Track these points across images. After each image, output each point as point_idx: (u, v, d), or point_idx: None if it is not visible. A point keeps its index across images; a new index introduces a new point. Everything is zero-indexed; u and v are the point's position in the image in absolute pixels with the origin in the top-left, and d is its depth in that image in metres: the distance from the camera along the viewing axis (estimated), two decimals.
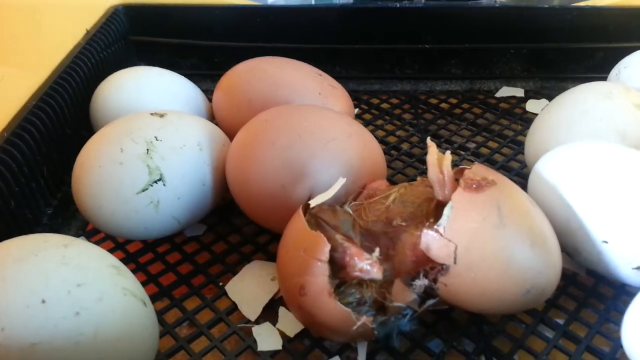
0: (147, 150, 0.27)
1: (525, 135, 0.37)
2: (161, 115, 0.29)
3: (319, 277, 0.22)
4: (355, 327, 0.22)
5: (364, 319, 0.22)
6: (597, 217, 0.25)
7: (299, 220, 0.23)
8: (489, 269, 0.22)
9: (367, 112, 0.44)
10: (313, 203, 0.24)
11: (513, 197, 0.23)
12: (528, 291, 0.23)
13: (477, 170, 0.24)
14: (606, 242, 0.25)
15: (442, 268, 0.22)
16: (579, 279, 0.29)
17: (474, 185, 0.23)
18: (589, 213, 0.25)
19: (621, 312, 0.26)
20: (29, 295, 0.19)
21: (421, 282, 0.23)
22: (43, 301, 0.19)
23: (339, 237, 0.23)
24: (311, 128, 0.27)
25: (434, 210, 0.25)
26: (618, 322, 0.26)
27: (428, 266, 0.23)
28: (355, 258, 0.22)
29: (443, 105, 0.44)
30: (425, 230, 0.23)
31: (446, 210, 0.23)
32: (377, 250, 0.22)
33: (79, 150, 0.28)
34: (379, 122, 0.42)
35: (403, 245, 0.24)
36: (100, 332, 0.20)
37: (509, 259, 0.22)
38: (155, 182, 0.27)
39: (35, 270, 0.20)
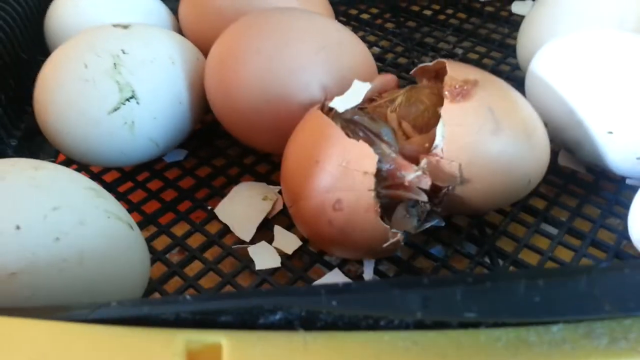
0: (115, 64, 0.24)
1: (513, 38, 0.36)
2: (125, 27, 0.26)
3: (364, 192, 0.20)
4: (386, 245, 0.20)
5: (399, 235, 0.20)
6: (601, 107, 0.24)
7: (329, 126, 0.21)
8: (493, 175, 0.21)
9: (346, 24, 0.41)
10: (340, 107, 0.22)
11: (500, 93, 0.22)
12: (529, 181, 0.23)
13: (454, 72, 0.22)
14: (611, 132, 0.24)
15: (447, 189, 0.21)
16: (579, 176, 0.28)
17: (459, 94, 0.21)
18: (593, 104, 0.24)
19: (623, 206, 0.25)
20: (1, 222, 0.17)
21: (424, 209, 0.21)
22: (17, 227, 0.17)
23: (384, 147, 0.21)
24: (300, 35, 0.24)
25: None
26: (621, 216, 0.25)
27: (430, 191, 0.21)
28: (402, 170, 0.20)
29: (426, 12, 0.42)
30: (424, 159, 0.21)
31: (439, 130, 0.21)
32: (425, 161, 0.21)
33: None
34: (360, 33, 0.40)
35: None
36: (86, 258, 0.18)
37: (510, 160, 0.22)
38: (128, 99, 0.24)
39: (4, 194, 0.17)
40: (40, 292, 0.17)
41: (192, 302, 0.15)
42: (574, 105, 0.25)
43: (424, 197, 0.21)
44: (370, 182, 0.20)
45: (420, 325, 0.14)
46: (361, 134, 0.22)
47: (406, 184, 0.20)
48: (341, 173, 0.20)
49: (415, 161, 0.21)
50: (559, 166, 0.28)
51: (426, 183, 0.20)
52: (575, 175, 0.28)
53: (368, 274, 0.24)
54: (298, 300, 0.15)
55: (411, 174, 0.20)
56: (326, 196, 0.20)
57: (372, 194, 0.20)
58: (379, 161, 0.20)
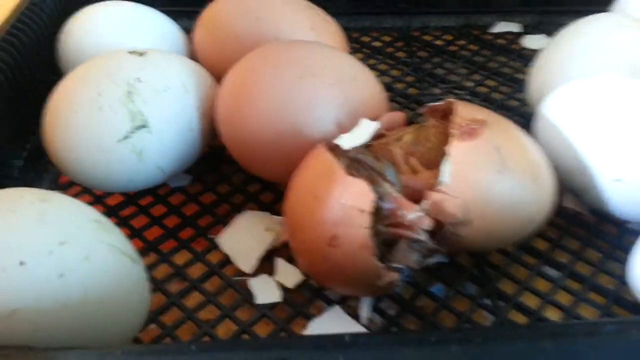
0: (129, 92, 0.24)
1: (523, 73, 0.36)
2: (141, 54, 0.26)
3: (360, 229, 0.20)
4: (381, 282, 0.20)
5: (394, 275, 0.20)
6: (610, 155, 0.24)
7: (331, 164, 0.21)
8: (498, 213, 0.21)
9: (358, 51, 0.41)
10: (346, 144, 0.22)
11: (507, 133, 0.23)
12: (532, 223, 0.23)
13: (462, 112, 0.22)
14: (618, 180, 0.24)
15: (451, 228, 0.21)
16: (582, 217, 0.28)
17: (466, 132, 0.21)
18: (601, 150, 0.24)
19: (625, 251, 0.25)
20: (5, 257, 0.17)
21: (426, 246, 0.21)
22: (22, 263, 0.17)
23: (387, 186, 0.21)
24: (315, 69, 0.24)
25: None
26: (622, 260, 0.25)
27: (434, 225, 0.21)
28: (403, 209, 0.20)
29: (438, 42, 0.42)
30: (429, 193, 0.21)
31: (446, 167, 0.21)
32: (426, 202, 0.21)
33: (47, 97, 0.25)
34: (371, 61, 0.40)
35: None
36: (89, 294, 0.18)
37: (514, 200, 0.22)
38: (138, 128, 0.24)
39: (11, 228, 0.18)
40: (42, 328, 0.17)
41: (197, 353, 0.15)
42: (582, 151, 0.25)
43: (424, 237, 0.21)
44: (367, 220, 0.20)
45: None
46: (364, 172, 0.22)
47: (406, 223, 0.21)
48: (338, 210, 0.20)
49: (421, 196, 0.21)
50: (562, 207, 0.28)
51: (427, 224, 0.21)
52: (578, 216, 0.28)
53: (365, 312, 0.24)
54: (305, 353, 0.15)
55: (412, 214, 0.21)
56: (322, 232, 0.21)
57: (368, 232, 0.20)
58: (381, 199, 0.20)
